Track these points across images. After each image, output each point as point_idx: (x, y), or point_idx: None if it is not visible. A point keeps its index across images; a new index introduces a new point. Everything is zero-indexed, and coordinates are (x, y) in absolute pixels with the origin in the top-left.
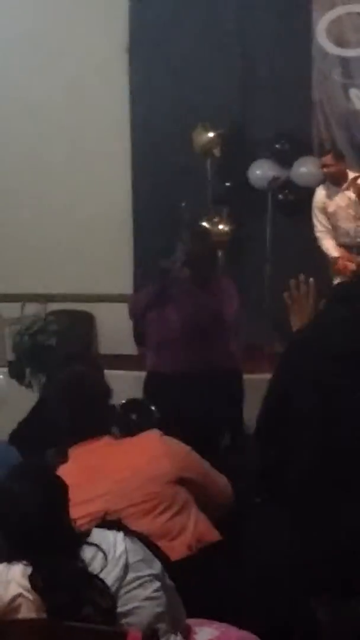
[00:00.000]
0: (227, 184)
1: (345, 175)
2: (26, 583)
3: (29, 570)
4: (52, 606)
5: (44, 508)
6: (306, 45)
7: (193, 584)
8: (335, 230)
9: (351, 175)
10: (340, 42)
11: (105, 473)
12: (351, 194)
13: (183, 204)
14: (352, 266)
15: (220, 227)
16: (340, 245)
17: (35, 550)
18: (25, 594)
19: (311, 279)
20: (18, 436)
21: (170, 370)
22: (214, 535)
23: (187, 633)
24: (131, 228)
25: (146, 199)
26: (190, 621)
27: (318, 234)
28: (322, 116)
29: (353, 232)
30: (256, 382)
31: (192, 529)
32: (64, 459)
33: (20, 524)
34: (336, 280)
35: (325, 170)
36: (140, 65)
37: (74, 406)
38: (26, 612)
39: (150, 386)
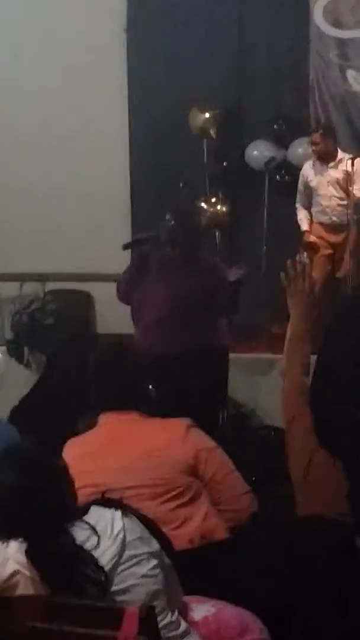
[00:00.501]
0: (224, 164)
1: (334, 154)
2: (23, 559)
3: (25, 546)
4: (45, 580)
5: (31, 492)
6: (303, 27)
7: (187, 578)
8: (314, 207)
9: (341, 155)
10: (337, 24)
11: (124, 447)
12: (336, 173)
13: (181, 185)
14: (316, 241)
15: (218, 207)
16: (318, 223)
17: (30, 527)
18: (23, 570)
19: (307, 259)
20: (18, 414)
21: (155, 349)
22: (220, 533)
23: (184, 610)
24: (129, 208)
25: (144, 179)
26: (187, 598)
27: (297, 204)
28: (319, 97)
29: (330, 210)
30: (254, 362)
31: (198, 523)
32: (93, 424)
33: (9, 507)
34: (302, 255)
35: (313, 147)
36: (138, 46)
37: (112, 372)
38: (23, 589)
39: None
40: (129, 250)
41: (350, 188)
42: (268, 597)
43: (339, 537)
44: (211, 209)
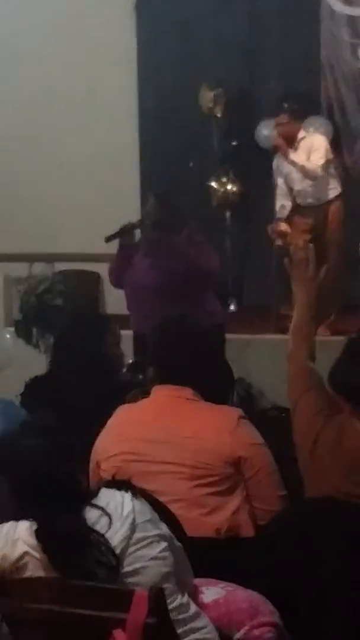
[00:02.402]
0: (234, 144)
1: (296, 136)
2: (33, 541)
3: (35, 527)
4: (55, 561)
5: (50, 466)
6: (314, 5)
7: (205, 566)
8: (291, 192)
9: (301, 134)
10: (348, 1)
11: (173, 423)
12: (298, 156)
13: (190, 164)
14: (283, 228)
15: (228, 187)
16: (297, 205)
17: (41, 506)
18: (32, 552)
19: (311, 244)
20: (29, 397)
21: (145, 332)
22: (247, 530)
23: (194, 593)
24: (139, 188)
25: (154, 159)
26: (197, 581)
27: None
28: (330, 76)
29: (304, 193)
30: (263, 343)
31: (228, 515)
32: (146, 394)
33: (26, 481)
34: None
35: (277, 128)
36: (148, 23)
37: (176, 344)
38: (33, 570)
39: (136, 347)
40: (138, 232)
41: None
42: (278, 579)
43: (349, 518)
44: (222, 189)
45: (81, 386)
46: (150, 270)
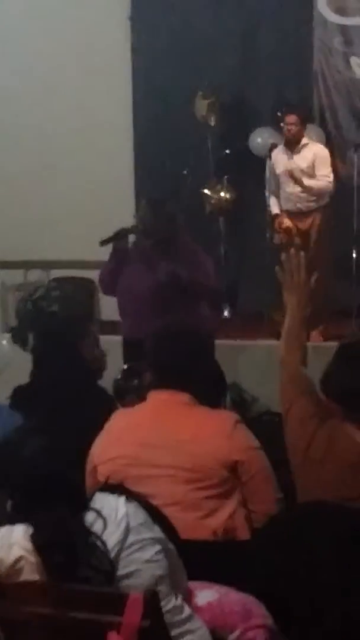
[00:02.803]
0: (228, 151)
1: (300, 139)
2: (28, 545)
3: (31, 531)
4: (49, 565)
5: (45, 470)
6: (307, 14)
7: (200, 569)
8: (281, 194)
9: (305, 140)
10: (340, 11)
11: (170, 427)
12: (300, 161)
13: (185, 172)
14: (286, 223)
15: (222, 194)
16: (283, 211)
17: (36, 511)
18: (28, 556)
19: (302, 252)
20: (20, 400)
21: (137, 338)
22: (243, 533)
23: (188, 596)
24: (133, 195)
25: (148, 166)
26: (191, 584)
27: (266, 192)
28: (323, 84)
29: (294, 197)
30: (257, 349)
31: (225, 518)
32: (142, 398)
33: (22, 485)
34: (276, 239)
35: (287, 128)
36: (142, 33)
37: (173, 349)
38: (28, 574)
39: (127, 353)
40: (133, 239)
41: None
42: (272, 583)
43: (343, 522)
44: (215, 196)
45: (62, 389)
46: (144, 277)
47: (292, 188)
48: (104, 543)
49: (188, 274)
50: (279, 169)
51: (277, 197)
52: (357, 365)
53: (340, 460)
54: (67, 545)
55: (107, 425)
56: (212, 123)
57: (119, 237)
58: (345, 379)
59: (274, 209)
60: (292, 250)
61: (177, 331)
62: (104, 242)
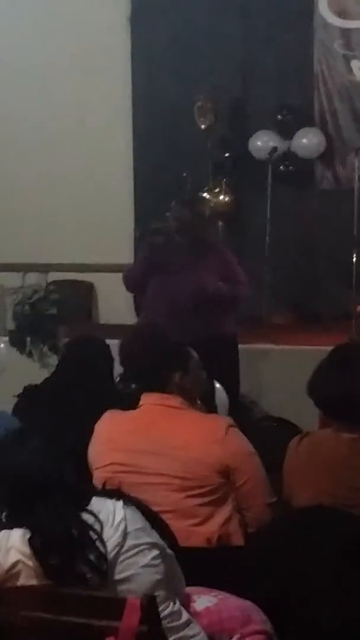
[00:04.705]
0: (228, 154)
1: None
2: (26, 549)
3: (28, 535)
4: (47, 567)
5: (43, 473)
6: (308, 17)
7: (196, 575)
8: None
9: None
10: (341, 14)
11: (162, 433)
12: None
13: (184, 175)
14: None
15: (221, 197)
16: None
17: (34, 514)
18: (25, 560)
19: None
20: (25, 404)
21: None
22: (237, 539)
23: (186, 601)
24: (132, 198)
25: (148, 169)
26: (189, 589)
27: None
28: (324, 87)
29: None
30: (256, 353)
31: (219, 525)
32: (135, 404)
33: (19, 487)
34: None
35: None
36: (142, 35)
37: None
38: (25, 578)
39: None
40: (132, 241)
41: None
42: (269, 588)
43: (338, 527)
44: (215, 199)
45: (83, 400)
46: (182, 278)
47: None
48: (102, 540)
49: (223, 277)
50: None
51: None
52: (342, 373)
53: (323, 467)
54: (65, 544)
55: (97, 428)
56: (212, 126)
57: (156, 232)
58: (329, 386)
59: None
60: None
61: (146, 336)
62: (142, 234)
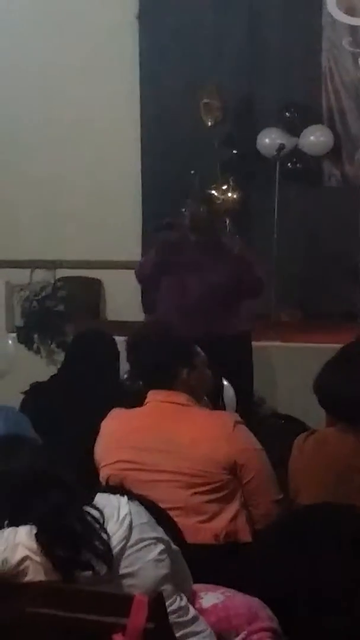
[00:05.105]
0: (235, 152)
1: None
2: (33, 545)
3: (35, 530)
4: (53, 560)
5: (32, 473)
6: (316, 14)
7: (204, 572)
8: None
9: None
10: (350, 11)
11: (169, 430)
12: None
13: (192, 172)
14: None
15: (229, 194)
16: None
17: (40, 510)
18: (32, 556)
19: None
20: (32, 400)
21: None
22: (245, 536)
23: (193, 598)
24: (140, 195)
25: (155, 166)
26: (196, 586)
27: None
28: (332, 85)
29: None
30: (263, 350)
31: (226, 521)
32: (141, 402)
33: (19, 492)
34: None
35: None
36: (150, 32)
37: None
38: (33, 574)
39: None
40: (140, 238)
41: None
42: (275, 586)
43: (345, 525)
44: (222, 197)
45: (89, 396)
46: (196, 275)
47: None
48: (106, 532)
49: (235, 271)
50: None
51: None
52: (347, 372)
53: (327, 465)
54: (69, 532)
55: (104, 425)
56: (219, 123)
57: (169, 227)
58: (333, 385)
59: None
60: None
61: (150, 333)
62: (157, 228)
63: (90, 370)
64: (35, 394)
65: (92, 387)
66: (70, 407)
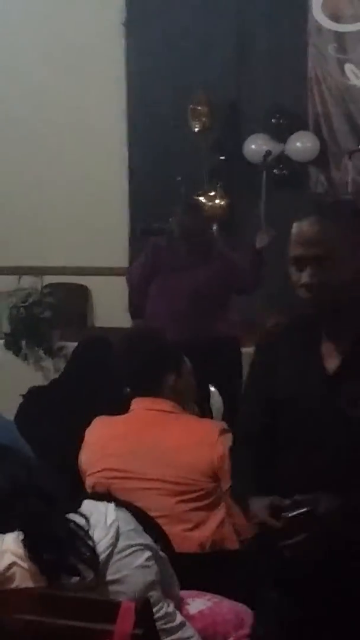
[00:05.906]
0: (222, 158)
1: None
2: (20, 551)
3: (22, 536)
4: (39, 564)
5: (36, 478)
6: (301, 20)
7: (191, 581)
8: None
9: None
10: (335, 17)
11: (154, 438)
12: None
13: (178, 178)
14: None
15: (215, 201)
16: None
17: (27, 517)
18: (20, 562)
19: None
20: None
21: (170, 339)
22: (232, 543)
23: (180, 604)
24: (127, 202)
25: (142, 172)
26: (183, 593)
27: None
28: (318, 91)
29: None
30: (247, 356)
31: (212, 530)
32: (125, 409)
33: (4, 500)
34: None
35: None
36: (137, 39)
37: (138, 358)
38: (20, 581)
39: None
40: (127, 245)
41: None
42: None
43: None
44: (209, 203)
45: (91, 401)
46: (183, 281)
47: None
48: (91, 539)
49: (225, 276)
50: None
51: None
52: None
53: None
54: (54, 536)
55: (88, 433)
56: (206, 129)
57: (156, 232)
58: None
59: None
60: None
61: (138, 339)
62: (143, 232)
63: (93, 376)
64: (34, 398)
65: (95, 393)
66: (69, 412)
